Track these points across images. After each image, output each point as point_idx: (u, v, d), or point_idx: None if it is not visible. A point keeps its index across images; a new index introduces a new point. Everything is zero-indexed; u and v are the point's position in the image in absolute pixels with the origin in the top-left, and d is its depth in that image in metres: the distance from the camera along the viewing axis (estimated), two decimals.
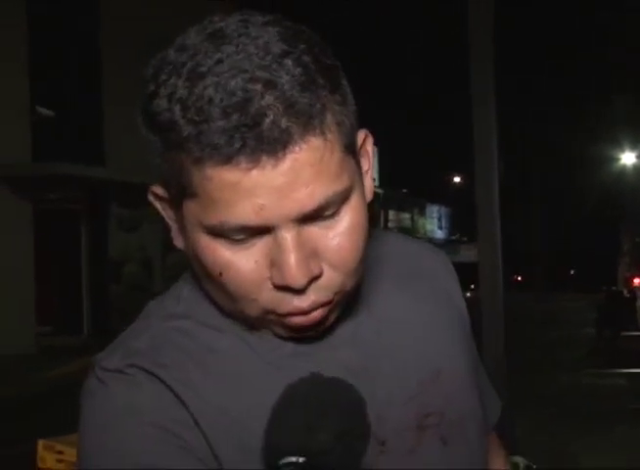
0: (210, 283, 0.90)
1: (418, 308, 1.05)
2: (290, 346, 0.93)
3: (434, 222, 50.55)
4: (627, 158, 24.85)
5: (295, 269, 0.84)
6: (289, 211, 0.82)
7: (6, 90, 13.59)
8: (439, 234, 50.82)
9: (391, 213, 42.57)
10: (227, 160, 0.80)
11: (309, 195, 0.82)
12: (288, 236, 0.84)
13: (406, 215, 45.16)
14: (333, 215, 0.86)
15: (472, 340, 1.12)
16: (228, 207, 0.82)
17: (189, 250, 0.91)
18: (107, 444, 0.87)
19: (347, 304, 0.95)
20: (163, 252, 16.63)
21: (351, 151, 0.88)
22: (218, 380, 0.91)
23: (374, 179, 0.99)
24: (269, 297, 0.87)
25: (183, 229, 0.90)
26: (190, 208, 0.86)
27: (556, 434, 7.32)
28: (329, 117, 0.84)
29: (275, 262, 0.85)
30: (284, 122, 0.79)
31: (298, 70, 0.81)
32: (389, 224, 42.04)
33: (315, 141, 0.82)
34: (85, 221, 15.31)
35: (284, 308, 0.87)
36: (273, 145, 0.79)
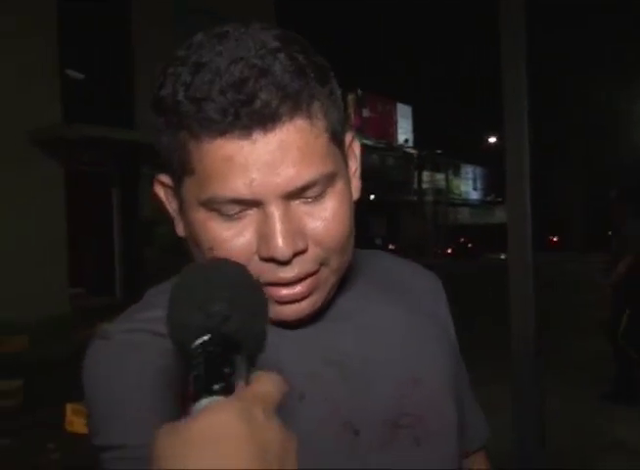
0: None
1: (402, 320, 1.12)
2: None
3: (468, 183, 50.14)
4: None
5: (280, 241, 0.91)
6: (276, 186, 0.90)
7: (35, 53, 13.60)
8: (474, 195, 50.49)
9: (425, 175, 42.32)
10: (221, 133, 0.88)
11: (296, 174, 0.90)
12: (275, 210, 0.91)
13: (440, 176, 44.85)
14: (318, 197, 0.94)
15: (456, 359, 1.18)
16: (222, 180, 0.89)
17: (187, 232, 0.99)
18: (103, 393, 0.95)
19: (333, 292, 1.02)
20: None
21: (338, 143, 0.97)
22: None
23: (361, 180, 1.08)
24: (256, 269, 0.92)
25: (183, 214, 0.98)
26: (188, 186, 0.94)
27: (588, 402, 7.26)
28: (316, 105, 0.92)
29: (263, 236, 0.92)
30: (274, 102, 0.88)
31: (291, 63, 0.90)
32: (424, 185, 41.83)
33: (302, 123, 0.91)
34: (116, 184, 15.37)
35: (269, 278, 0.94)
36: (263, 121, 0.88)
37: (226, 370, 0.65)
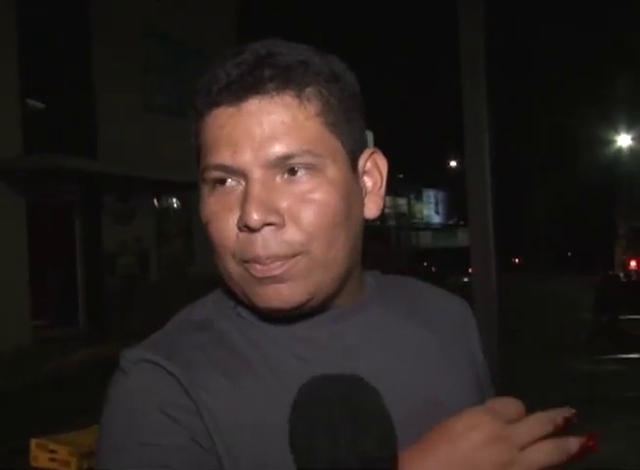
0: (211, 247, 0.99)
1: (426, 342, 1.08)
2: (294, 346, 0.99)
3: (430, 207, 50.39)
4: (623, 140, 24.80)
5: (252, 206, 0.92)
6: (257, 157, 0.93)
7: None
8: (436, 219, 50.74)
9: (388, 199, 42.48)
10: (216, 104, 0.95)
11: (278, 144, 0.93)
12: (255, 179, 0.93)
13: (402, 201, 45.06)
14: (304, 178, 0.95)
15: (483, 389, 1.14)
16: (214, 149, 0.95)
17: None
18: (115, 427, 0.93)
19: (331, 294, 0.99)
20: (158, 243, 16.57)
21: (339, 137, 0.97)
22: (233, 381, 0.95)
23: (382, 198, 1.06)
24: (237, 242, 0.95)
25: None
26: (200, 166, 0.98)
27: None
28: (310, 90, 0.95)
29: (242, 206, 0.94)
30: (266, 77, 0.93)
31: (299, 56, 0.96)
32: (386, 210, 42.00)
33: (290, 101, 0.94)
34: (79, 214, 15.24)
35: (247, 254, 0.94)
36: (250, 92, 0.93)
37: None
